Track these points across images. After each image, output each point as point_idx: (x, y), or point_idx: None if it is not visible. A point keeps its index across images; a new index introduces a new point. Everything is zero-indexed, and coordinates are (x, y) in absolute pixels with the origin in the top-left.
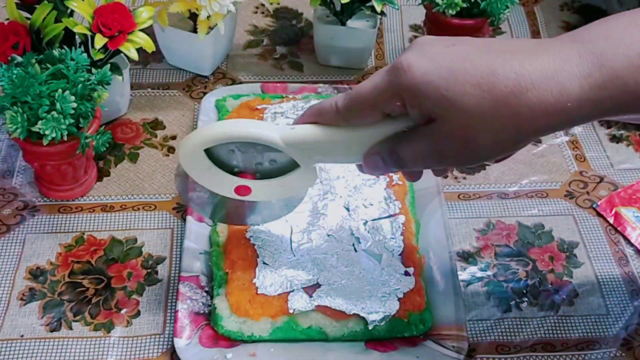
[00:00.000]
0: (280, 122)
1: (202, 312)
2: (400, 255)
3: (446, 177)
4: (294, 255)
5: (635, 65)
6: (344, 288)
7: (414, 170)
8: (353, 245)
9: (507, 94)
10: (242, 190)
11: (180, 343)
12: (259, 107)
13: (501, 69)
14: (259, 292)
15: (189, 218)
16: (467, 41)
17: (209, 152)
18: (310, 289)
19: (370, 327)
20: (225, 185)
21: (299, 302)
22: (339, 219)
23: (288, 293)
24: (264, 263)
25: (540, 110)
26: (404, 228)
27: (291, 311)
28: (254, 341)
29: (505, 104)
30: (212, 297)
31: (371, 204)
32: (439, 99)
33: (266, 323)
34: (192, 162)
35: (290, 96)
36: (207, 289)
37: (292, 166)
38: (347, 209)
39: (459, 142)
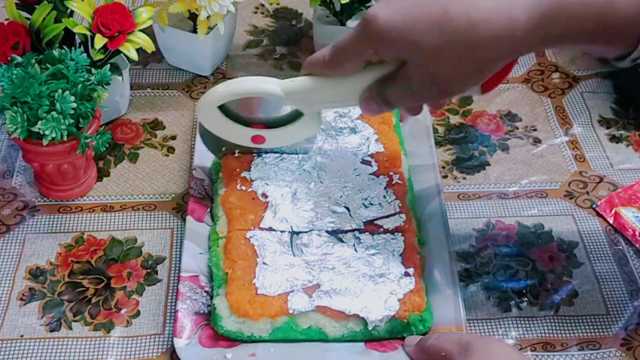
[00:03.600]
0: None
1: (202, 312)
2: (400, 255)
3: (446, 176)
4: (294, 256)
5: None
6: (344, 289)
7: (404, 107)
8: (354, 245)
9: (461, 30)
10: (257, 139)
11: (180, 343)
12: None
13: (454, 8)
14: (258, 292)
15: (188, 218)
16: None
17: (224, 109)
18: (310, 290)
19: (370, 328)
20: (241, 136)
21: (298, 302)
22: (339, 219)
23: (288, 293)
24: (264, 263)
25: (492, 42)
26: (404, 227)
27: (291, 311)
28: (253, 341)
29: (462, 39)
30: (212, 297)
31: (371, 204)
32: (404, 42)
33: (266, 323)
34: (209, 119)
35: None
36: (207, 289)
37: (297, 115)
38: (347, 209)
39: (427, 79)
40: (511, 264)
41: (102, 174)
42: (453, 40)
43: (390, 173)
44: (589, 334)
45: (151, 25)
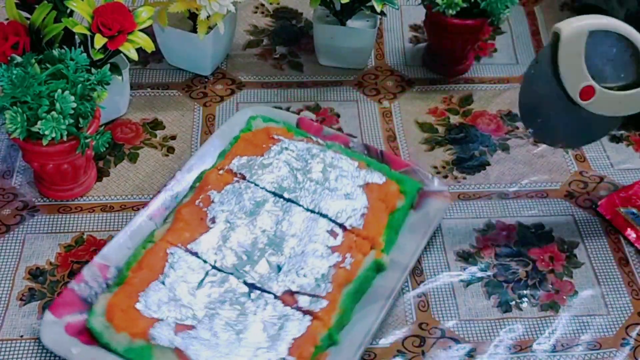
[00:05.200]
0: (283, 157)
1: (89, 300)
2: (293, 339)
3: (446, 176)
4: (196, 289)
5: None
6: (213, 342)
7: None
8: (257, 307)
9: None
10: (585, 92)
11: (47, 317)
12: (275, 136)
13: None
14: (136, 306)
15: (140, 212)
16: None
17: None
18: (182, 328)
19: None
20: (573, 83)
21: (161, 334)
22: (265, 274)
23: (158, 320)
24: (162, 282)
25: None
26: (317, 314)
27: (150, 339)
28: (108, 350)
29: None
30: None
31: (305, 275)
32: None
33: (124, 338)
34: (570, 47)
35: (315, 138)
36: (110, 282)
37: (635, 84)
38: (279, 268)
39: None
40: (511, 264)
41: (102, 174)
42: None
43: (347, 255)
44: (590, 334)
45: (151, 25)
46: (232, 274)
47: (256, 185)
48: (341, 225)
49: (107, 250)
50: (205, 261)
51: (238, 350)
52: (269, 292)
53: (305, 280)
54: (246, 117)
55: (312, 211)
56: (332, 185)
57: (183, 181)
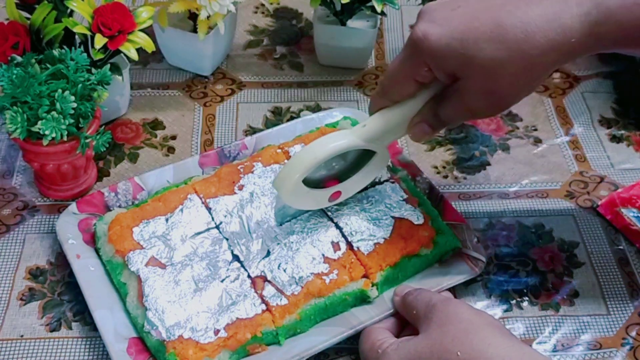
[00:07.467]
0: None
1: (111, 209)
2: (236, 319)
3: (446, 176)
4: (184, 240)
5: (626, 5)
6: (171, 288)
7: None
8: (217, 276)
9: (518, 41)
10: (334, 196)
11: (72, 207)
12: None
13: (508, 20)
14: (133, 228)
15: (195, 157)
16: (468, 1)
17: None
18: (155, 263)
19: None
20: (321, 199)
21: (135, 258)
22: (254, 252)
23: (141, 247)
24: (166, 219)
25: (549, 49)
26: (267, 308)
27: (125, 259)
28: (97, 254)
29: (518, 50)
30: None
31: (284, 270)
32: (458, 58)
33: (110, 250)
34: (294, 196)
35: None
36: (136, 202)
37: (366, 155)
38: (268, 254)
39: (483, 94)
40: (512, 264)
41: (102, 174)
42: (510, 53)
43: (335, 271)
44: (590, 334)
45: (151, 25)
46: (227, 239)
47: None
48: (348, 242)
49: (148, 176)
50: (212, 218)
51: (185, 303)
52: (245, 270)
53: (282, 275)
54: (341, 115)
55: (330, 218)
56: (365, 205)
57: (250, 147)
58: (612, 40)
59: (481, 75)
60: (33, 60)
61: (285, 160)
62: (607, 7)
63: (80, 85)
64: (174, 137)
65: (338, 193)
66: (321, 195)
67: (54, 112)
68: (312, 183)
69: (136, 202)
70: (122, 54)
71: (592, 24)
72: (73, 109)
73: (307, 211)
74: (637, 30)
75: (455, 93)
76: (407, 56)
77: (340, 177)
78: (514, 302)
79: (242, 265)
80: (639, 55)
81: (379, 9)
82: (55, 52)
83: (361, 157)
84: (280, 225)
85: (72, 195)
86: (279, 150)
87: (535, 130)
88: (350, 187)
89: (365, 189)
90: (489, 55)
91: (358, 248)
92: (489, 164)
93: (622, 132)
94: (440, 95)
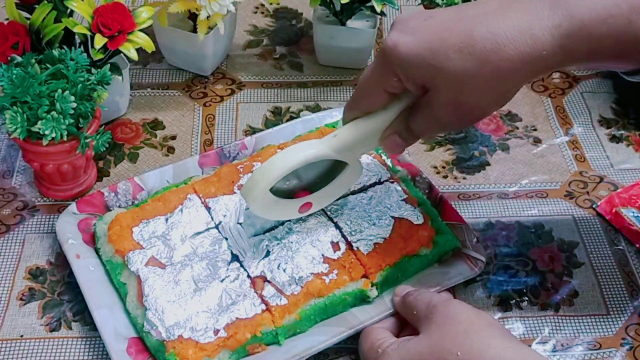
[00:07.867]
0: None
1: (110, 209)
2: (236, 319)
3: (446, 176)
4: (184, 240)
5: (600, 17)
6: (170, 288)
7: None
8: (216, 276)
9: (487, 52)
10: (304, 207)
11: (71, 207)
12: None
13: (478, 31)
14: (133, 228)
15: (194, 157)
16: (441, 12)
17: (272, 189)
18: (155, 262)
19: None
20: (290, 210)
21: (135, 258)
22: (254, 252)
23: (140, 247)
24: (166, 219)
25: (519, 61)
26: (266, 309)
27: (125, 259)
28: (97, 254)
29: (487, 62)
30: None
31: (284, 270)
32: (427, 69)
33: (110, 250)
34: (262, 205)
35: (384, 157)
36: (136, 202)
37: (337, 167)
38: (268, 253)
39: (452, 106)
40: (511, 264)
41: (102, 174)
42: (479, 64)
43: (335, 271)
44: (590, 334)
45: (151, 25)
46: (226, 239)
47: None
48: (348, 242)
49: (148, 176)
50: (212, 218)
51: (185, 303)
52: (245, 270)
53: (282, 275)
54: (341, 115)
55: (330, 218)
56: (365, 205)
57: (250, 147)
58: (584, 53)
59: (450, 87)
60: (33, 60)
61: None
62: (580, 19)
63: (80, 85)
64: (173, 137)
65: (309, 204)
66: (291, 205)
67: (53, 112)
68: (282, 193)
69: (136, 202)
70: (122, 54)
71: (563, 36)
72: (73, 109)
73: (279, 221)
74: (610, 43)
75: (425, 105)
76: (378, 66)
77: (312, 188)
78: (513, 302)
79: (242, 265)
80: (617, 69)
81: (378, 9)
82: (55, 52)
83: (333, 168)
84: (254, 236)
85: (72, 195)
86: (278, 150)
87: (535, 130)
88: (321, 198)
89: (362, 191)
90: (458, 66)
91: (358, 248)
92: (488, 164)
93: (622, 132)
94: (412, 107)
